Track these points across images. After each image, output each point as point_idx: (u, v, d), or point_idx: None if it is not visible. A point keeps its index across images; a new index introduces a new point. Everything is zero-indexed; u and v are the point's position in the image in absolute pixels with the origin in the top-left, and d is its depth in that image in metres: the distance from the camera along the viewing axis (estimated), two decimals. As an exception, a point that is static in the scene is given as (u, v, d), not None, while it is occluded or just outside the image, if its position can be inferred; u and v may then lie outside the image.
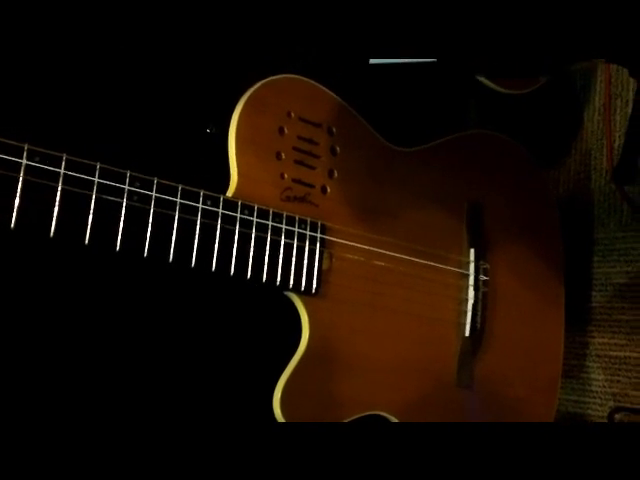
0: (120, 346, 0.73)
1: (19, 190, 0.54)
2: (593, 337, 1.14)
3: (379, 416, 0.77)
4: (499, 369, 0.89)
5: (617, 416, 1.04)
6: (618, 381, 1.09)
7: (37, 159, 0.54)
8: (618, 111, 1.16)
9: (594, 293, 1.14)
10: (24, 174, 0.54)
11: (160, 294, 0.72)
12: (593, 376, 1.13)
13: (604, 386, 1.11)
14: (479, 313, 0.86)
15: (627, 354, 1.09)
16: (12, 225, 0.53)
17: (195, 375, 0.75)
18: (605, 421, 1.05)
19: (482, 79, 0.92)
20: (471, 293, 0.86)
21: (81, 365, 0.70)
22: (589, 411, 1.11)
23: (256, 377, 0.72)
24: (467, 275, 0.86)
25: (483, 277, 0.87)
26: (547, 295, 0.98)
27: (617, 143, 1.15)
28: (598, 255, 1.15)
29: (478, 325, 0.86)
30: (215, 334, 0.77)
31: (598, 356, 1.13)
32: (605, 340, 1.12)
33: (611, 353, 1.11)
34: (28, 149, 0.54)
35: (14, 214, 0.53)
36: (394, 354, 0.79)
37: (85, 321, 0.71)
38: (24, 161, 0.54)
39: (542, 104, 1.20)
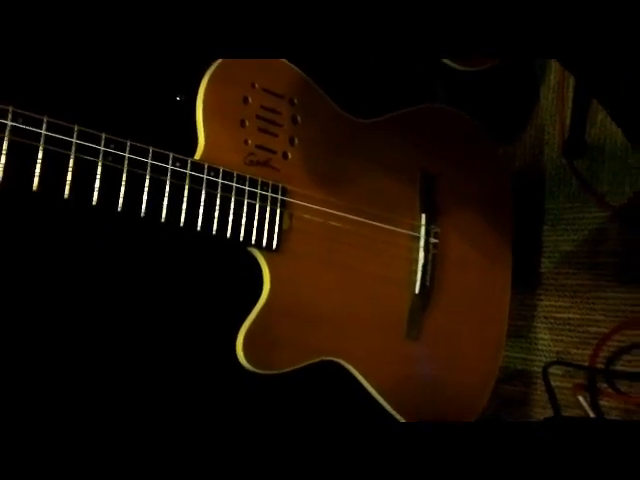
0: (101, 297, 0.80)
1: (4, 149, 0.60)
2: (541, 300, 1.22)
3: (334, 362, 0.85)
4: (447, 325, 0.97)
5: (550, 370, 1.13)
6: (562, 340, 1.19)
7: (20, 120, 0.61)
8: (571, 89, 1.23)
9: (543, 259, 1.23)
10: (9, 135, 0.60)
11: (135, 249, 0.79)
12: (540, 336, 1.22)
13: (549, 345, 1.20)
14: (428, 273, 0.94)
15: (570, 315, 1.18)
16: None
17: (167, 322, 0.82)
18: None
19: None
20: (421, 254, 0.94)
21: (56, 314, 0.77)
22: (535, 368, 1.20)
23: (222, 324, 0.80)
24: (418, 238, 0.94)
25: (433, 240, 0.95)
26: (495, 259, 1.06)
27: (568, 120, 1.22)
28: (548, 224, 1.23)
29: (427, 284, 0.94)
30: (184, 286, 0.84)
31: (545, 317, 1.22)
32: (551, 303, 1.21)
33: (556, 315, 1.20)
34: (13, 111, 0.60)
35: (0, 171, 0.60)
36: (349, 307, 0.87)
37: (64, 270, 0.77)
38: (9, 122, 0.60)
39: (500, 81, 1.27)
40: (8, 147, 0.60)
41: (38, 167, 0.62)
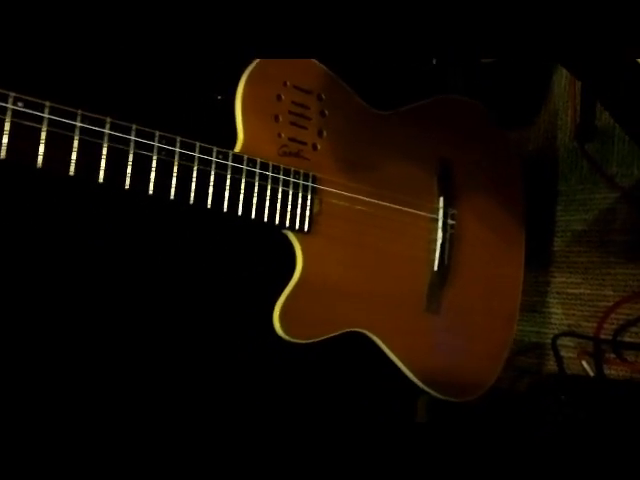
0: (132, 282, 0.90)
1: (75, 147, 0.69)
2: (554, 277, 1.30)
3: (360, 333, 0.94)
4: (463, 299, 1.06)
5: (561, 342, 1.21)
6: (573, 314, 1.26)
7: (87, 122, 0.70)
8: (583, 76, 1.30)
9: (556, 239, 1.30)
10: (79, 134, 0.69)
11: (185, 233, 0.89)
12: (552, 310, 1.29)
13: (561, 319, 1.28)
14: (446, 251, 1.02)
15: (581, 291, 1.25)
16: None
17: (207, 295, 0.92)
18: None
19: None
20: (439, 234, 1.02)
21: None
22: (547, 340, 1.28)
23: (260, 299, 0.89)
24: (436, 219, 1.02)
25: (450, 221, 1.03)
26: (508, 239, 1.14)
27: (579, 106, 1.29)
28: (560, 205, 1.31)
29: (445, 261, 1.02)
30: (227, 267, 0.94)
31: (557, 293, 1.29)
32: (563, 279, 1.29)
33: (568, 290, 1.28)
34: (81, 114, 0.69)
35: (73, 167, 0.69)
36: (373, 283, 0.96)
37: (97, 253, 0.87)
38: (78, 123, 0.69)
39: (516, 69, 1.34)
40: (78, 144, 0.69)
41: (103, 162, 0.71)
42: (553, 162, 1.32)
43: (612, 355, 1.16)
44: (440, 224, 1.02)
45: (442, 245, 1.02)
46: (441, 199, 1.02)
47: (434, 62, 0.94)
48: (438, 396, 1.02)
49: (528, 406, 0.86)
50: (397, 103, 1.00)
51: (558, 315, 1.29)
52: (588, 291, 1.24)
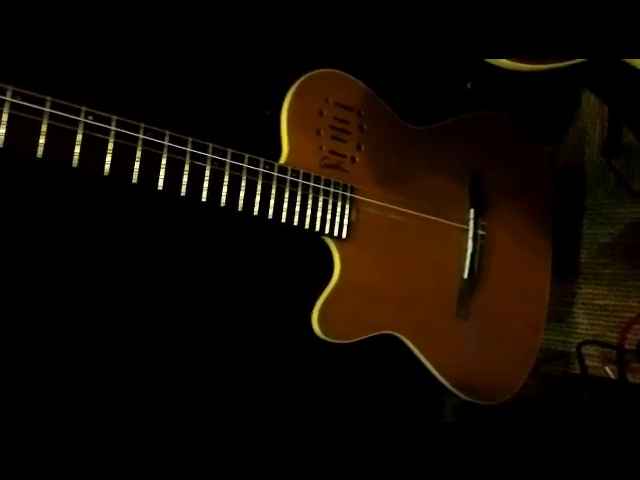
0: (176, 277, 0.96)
1: (138, 157, 0.76)
2: (580, 288, 1.34)
3: (393, 336, 1.00)
4: (492, 306, 1.10)
5: (587, 351, 1.25)
6: (598, 325, 1.30)
7: (149, 134, 0.77)
8: (611, 94, 1.34)
9: (582, 251, 1.34)
10: (141, 145, 0.76)
11: (232, 238, 0.95)
12: (578, 320, 1.33)
13: (587, 329, 1.32)
14: (476, 260, 1.07)
15: (607, 302, 1.29)
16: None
17: (251, 297, 0.98)
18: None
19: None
20: (470, 244, 1.07)
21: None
22: (573, 349, 1.32)
23: (299, 301, 0.95)
24: (467, 230, 1.07)
25: (481, 232, 1.08)
26: (536, 250, 1.19)
27: (607, 123, 1.33)
28: (587, 218, 1.35)
29: (475, 270, 1.07)
30: (268, 272, 1.00)
31: (583, 304, 1.33)
32: (590, 290, 1.32)
33: (594, 301, 1.31)
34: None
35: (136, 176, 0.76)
36: (406, 289, 1.01)
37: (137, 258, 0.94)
38: (141, 136, 0.76)
39: (547, 87, 1.38)
40: (141, 155, 0.76)
41: (162, 172, 0.78)
42: (581, 177, 1.36)
43: (636, 364, 1.20)
44: (470, 234, 1.07)
45: (472, 254, 1.07)
46: (472, 210, 1.08)
47: (469, 86, 0.99)
48: (465, 398, 1.06)
49: (550, 404, 0.90)
50: (432, 119, 1.05)
51: (584, 325, 1.33)
52: (613, 302, 1.28)
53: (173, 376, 0.96)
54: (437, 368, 1.03)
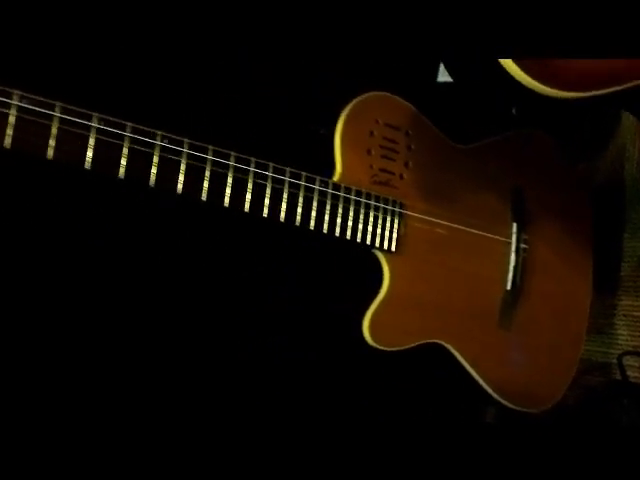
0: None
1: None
2: (621, 300, 1.36)
3: (439, 344, 1.05)
4: (534, 318, 1.14)
5: (628, 362, 1.27)
6: (639, 336, 1.33)
7: (212, 153, 0.84)
8: (651, 111, 1.37)
9: (623, 264, 1.37)
10: (210, 166, 0.83)
11: (289, 251, 1.02)
12: (619, 332, 1.36)
13: (627, 340, 1.34)
14: (518, 273, 1.12)
15: (648, 314, 1.32)
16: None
17: (305, 306, 1.05)
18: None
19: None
20: (512, 257, 1.11)
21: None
22: (613, 360, 1.34)
23: (350, 310, 1.01)
24: (509, 243, 1.12)
25: (523, 245, 1.13)
26: (577, 263, 1.22)
27: (647, 138, 1.36)
28: (628, 232, 1.37)
29: (517, 282, 1.12)
30: (320, 283, 1.07)
31: (624, 315, 1.36)
32: (630, 302, 1.35)
33: (634, 313, 1.34)
34: (213, 150, 0.83)
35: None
36: (451, 300, 1.06)
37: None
38: (209, 157, 0.83)
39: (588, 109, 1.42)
40: (210, 175, 0.83)
41: (229, 190, 0.85)
42: (620, 191, 1.39)
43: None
44: (513, 248, 1.12)
45: (515, 267, 1.11)
46: (514, 225, 1.12)
47: (514, 112, 1.04)
48: (507, 405, 1.10)
49: (591, 411, 0.94)
50: (475, 137, 1.11)
51: (624, 336, 1.35)
52: (654, 314, 1.31)
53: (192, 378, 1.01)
54: (480, 375, 1.08)
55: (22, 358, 0.91)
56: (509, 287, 1.11)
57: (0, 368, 0.89)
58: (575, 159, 1.27)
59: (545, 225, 1.17)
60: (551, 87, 0.74)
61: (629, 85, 0.78)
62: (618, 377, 1.30)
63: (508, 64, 0.72)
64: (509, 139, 1.14)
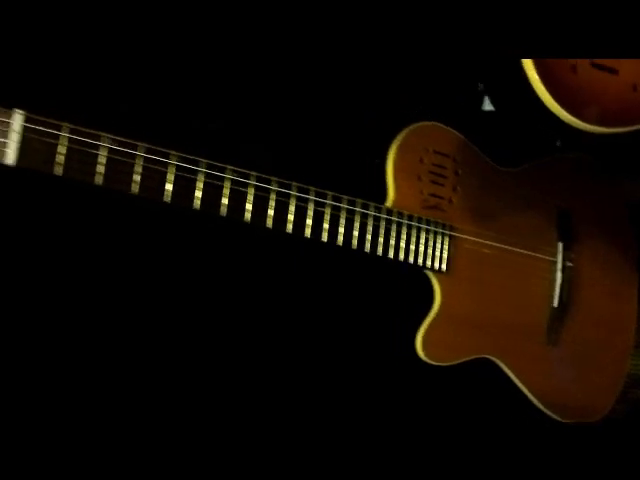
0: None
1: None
2: (667, 315, 1.39)
3: (489, 359, 1.10)
4: (581, 333, 1.18)
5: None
6: (684, 351, 1.35)
7: (277, 183, 0.91)
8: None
9: (668, 280, 1.40)
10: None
11: (347, 272, 1.09)
12: (666, 347, 1.38)
13: (674, 355, 1.37)
14: (565, 290, 1.16)
15: (693, 329, 1.34)
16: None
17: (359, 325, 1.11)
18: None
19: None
20: (559, 275, 1.16)
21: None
22: (661, 374, 1.37)
23: (403, 327, 1.07)
24: (555, 262, 1.16)
25: (569, 264, 1.17)
26: (623, 279, 1.26)
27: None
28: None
29: (564, 299, 1.16)
30: (374, 302, 1.13)
31: (670, 331, 1.38)
32: (676, 318, 1.37)
33: (681, 329, 1.36)
34: (277, 182, 0.91)
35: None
36: (500, 316, 1.11)
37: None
38: (272, 188, 0.91)
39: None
40: (275, 205, 0.91)
41: (291, 216, 0.92)
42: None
43: None
44: (559, 266, 1.16)
45: (561, 284, 1.16)
46: (560, 244, 1.17)
47: (558, 144, 1.09)
48: (555, 417, 1.14)
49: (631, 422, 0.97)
50: (521, 161, 1.16)
51: (671, 352, 1.38)
52: (700, 330, 1.33)
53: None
54: (529, 389, 1.12)
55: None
56: (556, 304, 1.15)
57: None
58: (618, 179, 1.31)
59: (590, 244, 1.21)
60: (590, 123, 0.79)
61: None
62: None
63: (548, 100, 0.78)
64: (553, 162, 1.19)
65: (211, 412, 1.06)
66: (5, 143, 0.76)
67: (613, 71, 0.80)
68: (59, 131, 0.78)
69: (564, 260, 1.17)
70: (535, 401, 1.13)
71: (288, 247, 1.03)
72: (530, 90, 0.78)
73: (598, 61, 0.79)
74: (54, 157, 0.78)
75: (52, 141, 0.78)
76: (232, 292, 1.08)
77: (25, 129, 0.77)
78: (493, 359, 1.10)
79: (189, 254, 1.06)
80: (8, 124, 0.76)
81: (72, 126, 0.79)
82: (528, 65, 0.77)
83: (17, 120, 0.76)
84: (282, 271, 1.08)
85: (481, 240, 1.09)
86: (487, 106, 1.18)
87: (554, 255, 1.16)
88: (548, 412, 1.14)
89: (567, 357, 1.18)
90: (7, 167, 0.76)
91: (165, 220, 1.00)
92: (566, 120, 0.79)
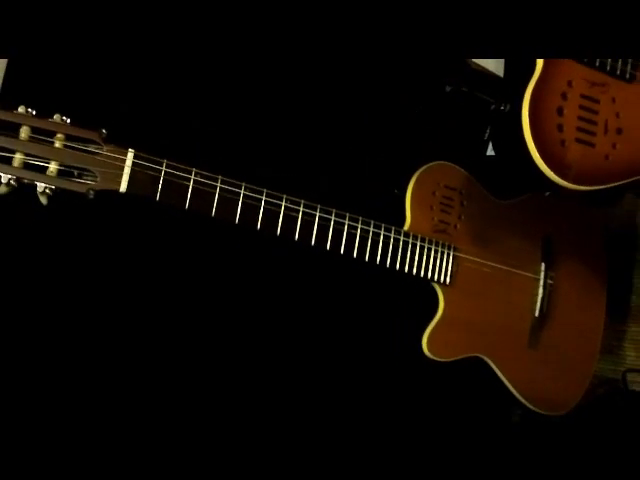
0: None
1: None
2: (629, 326, 1.63)
3: (480, 358, 1.33)
4: (557, 339, 1.43)
5: (628, 376, 1.55)
6: (644, 357, 1.60)
7: (323, 210, 1.14)
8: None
9: (633, 296, 1.64)
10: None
11: (366, 284, 1.32)
12: (627, 353, 1.63)
13: (633, 360, 1.61)
14: (545, 302, 1.40)
15: (652, 339, 1.59)
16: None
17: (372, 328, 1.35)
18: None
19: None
20: (540, 290, 1.40)
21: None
22: (620, 377, 1.62)
23: (411, 329, 1.30)
24: (538, 279, 1.40)
25: (549, 281, 1.41)
26: (594, 294, 1.50)
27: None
28: (638, 269, 1.65)
29: (544, 310, 1.40)
30: (391, 309, 1.37)
31: (633, 340, 1.63)
32: (637, 329, 1.62)
33: (640, 338, 1.62)
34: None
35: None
36: (491, 323, 1.35)
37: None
38: (316, 212, 1.13)
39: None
40: (317, 227, 1.13)
41: (330, 235, 1.15)
42: (633, 235, 1.67)
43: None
44: (541, 282, 1.40)
45: (542, 298, 1.40)
46: (543, 264, 1.41)
47: (547, 195, 1.33)
48: (533, 409, 1.39)
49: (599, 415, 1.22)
50: (514, 195, 1.40)
51: (631, 357, 1.63)
52: (658, 339, 1.58)
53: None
54: (513, 385, 1.36)
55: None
56: (537, 314, 1.39)
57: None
58: (595, 209, 1.55)
59: (567, 264, 1.45)
60: (571, 182, 1.03)
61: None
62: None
63: (541, 165, 1.01)
64: (539, 196, 1.43)
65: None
66: (120, 175, 0.97)
67: (591, 144, 1.03)
68: (160, 166, 1.00)
69: (545, 278, 1.41)
70: (516, 394, 1.37)
71: (324, 261, 1.26)
72: (526, 151, 1.00)
73: (580, 137, 1.03)
74: (157, 186, 0.99)
75: (154, 174, 1.00)
76: (252, 295, 1.30)
77: (134, 164, 0.98)
78: (483, 357, 1.33)
79: (219, 263, 1.27)
80: (123, 160, 0.97)
81: (169, 162, 1.01)
82: (527, 134, 0.99)
83: (129, 157, 0.98)
84: (315, 279, 1.31)
85: (479, 259, 1.33)
86: (490, 151, 1.42)
87: (537, 273, 1.40)
88: (526, 403, 1.39)
89: (544, 358, 1.42)
90: (119, 193, 0.97)
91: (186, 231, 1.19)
92: (553, 180, 1.02)
